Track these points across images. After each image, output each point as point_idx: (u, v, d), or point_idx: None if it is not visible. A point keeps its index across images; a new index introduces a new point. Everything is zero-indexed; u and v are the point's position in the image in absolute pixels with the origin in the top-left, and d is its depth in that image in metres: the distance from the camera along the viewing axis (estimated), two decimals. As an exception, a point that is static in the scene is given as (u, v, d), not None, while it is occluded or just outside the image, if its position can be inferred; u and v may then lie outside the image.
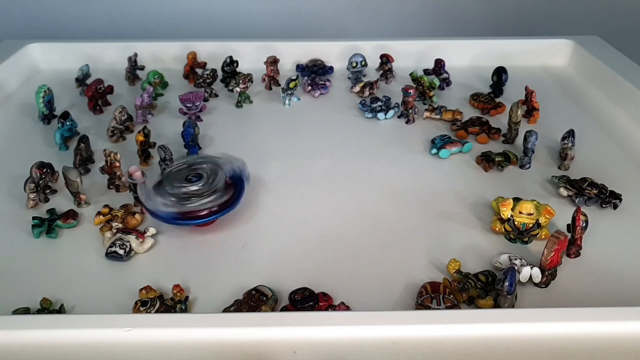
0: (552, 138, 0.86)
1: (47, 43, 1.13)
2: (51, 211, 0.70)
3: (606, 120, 0.94)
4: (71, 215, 0.69)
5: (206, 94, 1.00)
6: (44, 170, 0.72)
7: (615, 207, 0.71)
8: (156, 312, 0.55)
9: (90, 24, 1.37)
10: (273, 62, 1.05)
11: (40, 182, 0.72)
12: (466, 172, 0.80)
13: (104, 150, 0.74)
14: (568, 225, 0.64)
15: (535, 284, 0.59)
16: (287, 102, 0.99)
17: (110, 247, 0.63)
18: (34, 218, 0.67)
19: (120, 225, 0.67)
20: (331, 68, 1.11)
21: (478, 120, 0.90)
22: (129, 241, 0.64)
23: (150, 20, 1.37)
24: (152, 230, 0.66)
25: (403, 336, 0.49)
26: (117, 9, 1.36)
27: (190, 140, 0.82)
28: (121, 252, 0.63)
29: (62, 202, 0.73)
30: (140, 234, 0.65)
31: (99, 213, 0.69)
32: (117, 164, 0.74)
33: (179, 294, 0.57)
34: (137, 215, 0.69)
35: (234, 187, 0.69)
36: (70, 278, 0.61)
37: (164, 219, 0.65)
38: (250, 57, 1.08)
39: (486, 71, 1.05)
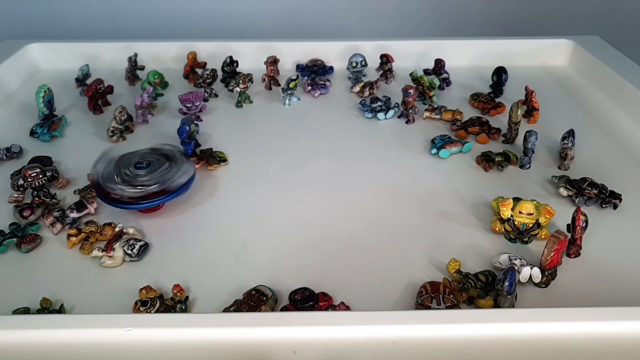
0: (552, 138, 0.86)
1: (47, 43, 1.13)
2: (19, 227, 0.67)
3: (606, 120, 0.94)
4: (27, 240, 0.65)
5: (206, 94, 1.00)
6: (31, 174, 0.70)
7: (615, 207, 0.71)
8: (156, 312, 0.55)
9: (90, 24, 1.37)
10: (273, 62, 1.05)
11: (26, 184, 0.70)
12: (466, 172, 0.80)
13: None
14: (568, 225, 0.64)
15: (535, 284, 0.59)
16: (287, 102, 0.99)
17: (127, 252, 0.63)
18: None
19: (100, 247, 0.64)
20: (331, 68, 1.11)
21: (478, 120, 0.90)
22: (134, 239, 0.64)
23: (150, 20, 1.37)
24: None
25: (403, 336, 0.49)
26: (117, 9, 1.36)
27: (187, 137, 0.81)
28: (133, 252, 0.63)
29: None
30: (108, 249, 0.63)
31: (69, 236, 0.65)
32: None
33: (179, 294, 0.57)
34: (112, 224, 0.67)
35: (164, 193, 0.67)
36: (70, 278, 0.61)
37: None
38: (250, 57, 1.08)
39: (486, 71, 1.05)
